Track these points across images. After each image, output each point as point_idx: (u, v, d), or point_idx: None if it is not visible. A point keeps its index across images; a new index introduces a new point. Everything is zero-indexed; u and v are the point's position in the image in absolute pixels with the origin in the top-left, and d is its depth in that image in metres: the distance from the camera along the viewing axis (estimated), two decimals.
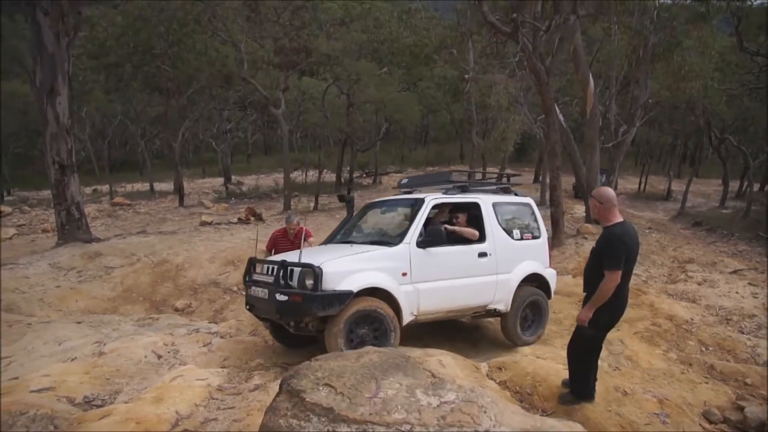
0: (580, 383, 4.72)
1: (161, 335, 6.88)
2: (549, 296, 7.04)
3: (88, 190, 29.09)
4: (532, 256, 6.83)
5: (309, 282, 5.18)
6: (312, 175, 27.98)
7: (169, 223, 18.75)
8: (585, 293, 4.60)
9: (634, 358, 6.61)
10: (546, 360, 5.98)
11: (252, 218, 18.00)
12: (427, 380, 3.34)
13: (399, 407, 3.03)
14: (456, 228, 6.27)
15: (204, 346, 6.30)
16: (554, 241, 12.66)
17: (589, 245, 12.10)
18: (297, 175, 28.50)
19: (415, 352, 4.50)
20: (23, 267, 10.63)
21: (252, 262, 6.16)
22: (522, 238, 6.77)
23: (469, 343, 7.08)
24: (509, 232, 6.64)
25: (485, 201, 6.55)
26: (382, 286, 5.46)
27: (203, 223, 17.09)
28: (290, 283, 5.40)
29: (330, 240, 6.98)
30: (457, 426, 3.00)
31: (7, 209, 23.99)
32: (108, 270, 10.89)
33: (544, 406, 4.98)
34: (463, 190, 6.60)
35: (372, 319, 5.37)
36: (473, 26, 20.79)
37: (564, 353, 6.63)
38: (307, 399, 3.10)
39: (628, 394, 4.96)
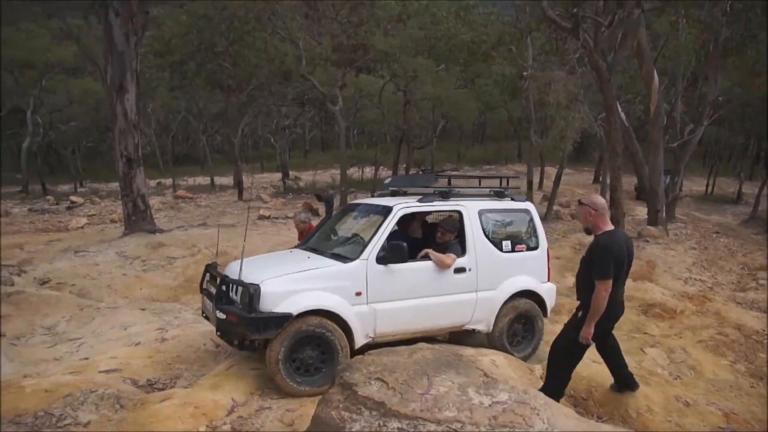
0: (553, 387, 4.50)
1: None
2: (545, 313, 6.28)
3: (152, 183, 30.23)
4: (526, 270, 6.09)
5: (245, 301, 4.73)
6: (368, 171, 28.14)
7: (228, 216, 19.27)
8: (578, 301, 4.53)
9: (697, 368, 6.35)
10: (602, 365, 5.82)
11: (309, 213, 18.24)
12: (479, 379, 3.30)
13: (450, 405, 3.01)
14: (430, 252, 5.57)
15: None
16: None
17: (650, 249, 11.72)
18: (353, 172, 28.74)
19: (468, 351, 4.46)
20: (93, 255, 11.16)
21: (207, 270, 5.71)
22: (513, 250, 6.03)
23: None
24: (497, 244, 5.94)
25: (470, 208, 5.85)
26: (327, 308, 4.91)
27: (261, 217, 17.50)
28: (234, 298, 4.98)
29: (304, 243, 6.41)
30: (508, 427, 2.95)
31: (79, 200, 25.27)
32: (170, 260, 11.29)
33: (599, 412, 4.85)
34: (444, 196, 5.84)
35: (317, 340, 4.88)
36: (532, 22, 20.34)
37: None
38: (359, 392, 3.12)
39: (690, 405, 4.77)
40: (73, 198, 25.88)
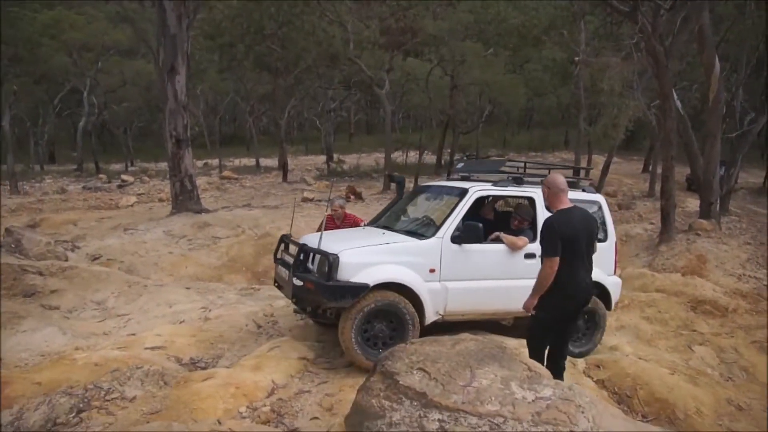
0: None
1: (261, 306, 7.19)
2: (609, 307, 6.20)
3: (199, 163, 30.85)
4: (596, 262, 6.07)
5: (324, 270, 4.90)
6: (413, 156, 28.03)
7: (272, 197, 19.50)
8: None
9: (750, 370, 6.08)
10: (649, 362, 5.64)
11: (352, 197, 18.30)
12: (523, 373, 3.23)
13: (493, 398, 2.96)
14: (501, 234, 5.68)
15: (301, 319, 6.49)
16: (663, 237, 11.90)
17: (701, 242, 11.29)
18: (398, 156, 28.65)
19: (512, 343, 4.38)
20: (142, 233, 11.47)
21: (283, 240, 5.99)
22: None
23: None
24: None
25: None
26: (402, 281, 5.06)
27: (305, 200, 17.64)
28: (311, 267, 5.19)
29: (374, 222, 6.60)
30: (552, 424, 2.88)
31: (129, 179, 26.02)
32: (215, 240, 11.50)
33: (644, 411, 4.72)
34: (518, 182, 5.93)
35: (390, 315, 5.03)
36: (587, 6, 19.71)
37: (669, 356, 6.26)
38: (400, 381, 3.10)
39: (743, 410, 4.57)
40: (124, 177, 26.65)
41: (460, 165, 7.00)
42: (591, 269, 4.37)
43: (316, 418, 4.15)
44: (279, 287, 5.86)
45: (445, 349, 3.43)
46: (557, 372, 4.32)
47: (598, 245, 6.00)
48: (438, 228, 5.40)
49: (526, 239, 5.67)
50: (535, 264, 5.50)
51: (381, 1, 21.65)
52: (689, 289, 8.42)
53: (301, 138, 48.78)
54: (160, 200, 19.31)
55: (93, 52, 31.47)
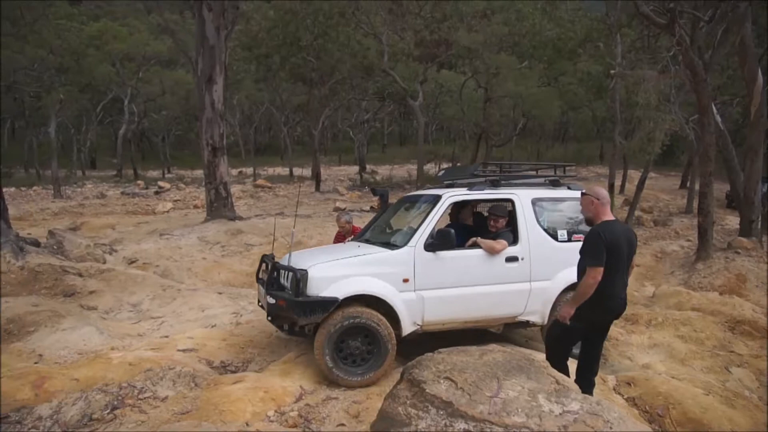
0: None
1: None
2: None
3: (234, 171, 31.39)
4: None
5: (294, 286, 4.84)
6: (446, 167, 28.03)
7: (305, 206, 19.70)
8: None
9: None
10: (682, 381, 5.51)
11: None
12: (550, 386, 3.20)
13: (519, 410, 2.95)
14: (478, 239, 5.49)
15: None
16: (701, 254, 11.61)
17: (741, 261, 10.98)
18: (430, 167, 28.70)
19: (540, 356, 4.34)
20: (177, 238, 11.72)
21: (263, 260, 5.81)
22: (570, 240, 5.78)
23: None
24: (553, 233, 5.75)
25: (522, 197, 5.71)
26: (373, 293, 4.94)
27: (336, 209, 17.77)
28: (284, 284, 5.11)
29: (359, 236, 6.41)
30: None
31: (166, 185, 26.64)
32: (248, 247, 11.66)
33: (676, 431, 4.60)
34: (495, 184, 5.75)
35: (364, 329, 4.88)
36: (623, 18, 19.48)
37: (704, 376, 6.10)
38: (427, 390, 3.11)
39: None
40: (161, 183, 27.32)
41: (442, 172, 6.89)
42: (627, 283, 4.31)
43: (343, 424, 4.19)
44: (262, 307, 5.67)
45: (472, 359, 3.42)
46: (587, 387, 4.26)
47: None
48: (411, 237, 5.26)
49: (504, 242, 5.50)
50: (517, 268, 5.53)
51: (416, 14, 21.79)
52: (727, 308, 8.18)
53: (335, 148, 49.29)
54: (195, 207, 19.70)
55: (135, 62, 32.55)
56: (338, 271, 4.98)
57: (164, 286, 8.32)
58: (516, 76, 24.59)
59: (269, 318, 5.27)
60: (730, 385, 5.96)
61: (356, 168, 34.08)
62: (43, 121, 30.65)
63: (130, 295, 7.80)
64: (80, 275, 7.87)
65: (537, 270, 5.63)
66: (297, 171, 32.87)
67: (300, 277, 4.80)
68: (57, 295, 7.25)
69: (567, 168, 6.45)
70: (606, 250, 4.02)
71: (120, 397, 4.33)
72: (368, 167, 34.11)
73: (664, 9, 11.91)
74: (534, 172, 6.61)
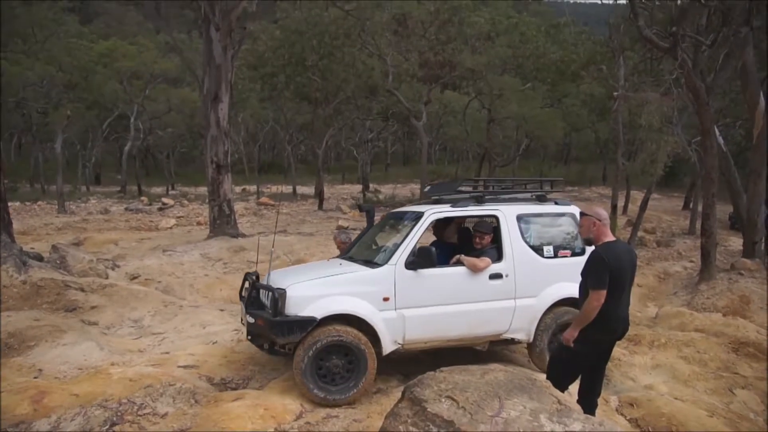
0: None
1: None
2: None
3: (237, 189, 31.49)
4: (571, 277, 5.41)
5: (272, 305, 4.85)
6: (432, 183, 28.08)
7: (307, 224, 19.71)
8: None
9: None
10: (685, 403, 5.46)
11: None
12: (552, 406, 3.18)
13: (521, 430, 2.93)
14: (461, 256, 5.47)
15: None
16: (704, 275, 11.57)
17: (745, 282, 10.92)
18: None
19: (543, 376, 4.31)
20: (179, 254, 11.73)
21: (246, 278, 5.77)
22: (557, 256, 5.77)
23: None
24: (538, 249, 5.71)
25: (507, 213, 5.66)
26: (352, 312, 4.92)
27: (339, 227, 17.76)
28: (265, 303, 5.12)
29: (345, 253, 6.37)
30: None
31: (170, 202, 26.73)
32: (250, 264, 11.63)
33: None
34: (479, 201, 5.72)
35: (343, 348, 4.85)
36: (626, 41, 19.67)
37: (708, 398, 6.04)
38: (428, 409, 3.10)
39: None
40: (164, 200, 27.41)
41: (428, 188, 6.87)
42: (630, 303, 4.30)
43: None
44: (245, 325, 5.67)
45: (474, 378, 3.41)
46: (589, 408, 4.24)
47: (578, 259, 5.66)
48: (392, 255, 5.23)
49: (488, 260, 5.45)
50: (501, 285, 5.47)
51: (420, 35, 22.02)
52: (731, 329, 8.13)
53: (339, 167, 49.48)
54: (198, 224, 19.73)
55: (142, 80, 32.89)
56: (317, 290, 4.97)
57: (166, 302, 8.32)
58: (519, 97, 24.74)
59: (249, 337, 5.25)
60: (734, 407, 5.90)
61: (359, 187, 34.18)
62: (50, 137, 30.90)
63: (131, 310, 7.80)
64: (82, 290, 7.87)
65: (522, 287, 5.58)
66: (300, 189, 33.00)
67: (278, 297, 4.79)
68: (58, 309, 7.25)
69: (555, 183, 6.42)
70: (609, 272, 4.01)
71: (119, 413, 4.31)
72: (371, 186, 34.20)
73: (666, 33, 12.03)
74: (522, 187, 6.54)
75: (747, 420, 5.40)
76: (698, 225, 15.29)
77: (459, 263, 5.45)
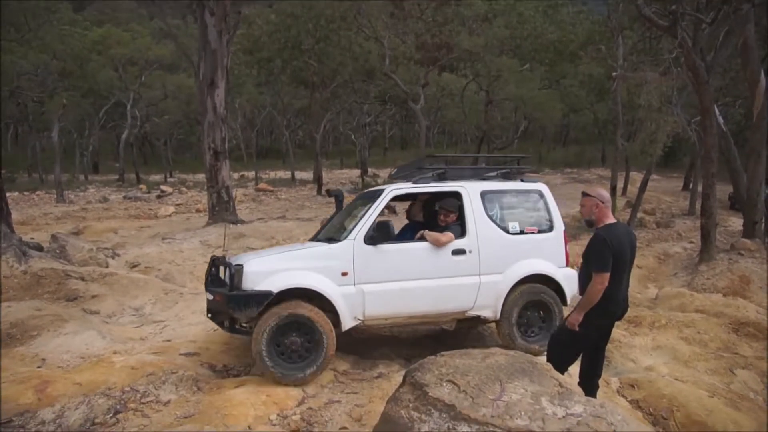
0: None
1: None
2: (564, 301, 5.79)
3: (236, 175, 31.43)
4: (539, 254, 5.73)
5: (230, 281, 4.85)
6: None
7: (306, 210, 19.70)
8: (581, 296, 4.28)
9: None
10: (686, 384, 5.49)
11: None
12: (553, 389, 3.19)
13: (522, 413, 2.93)
14: (425, 232, 5.47)
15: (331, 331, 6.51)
16: (704, 256, 11.58)
17: (744, 263, 10.94)
18: None
19: (543, 359, 4.32)
20: (179, 242, 11.72)
21: (213, 261, 5.69)
22: (522, 232, 5.72)
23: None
24: (504, 226, 5.66)
25: (470, 189, 5.64)
26: (309, 286, 4.87)
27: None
28: (225, 281, 5.10)
29: (314, 237, 6.35)
30: None
31: (168, 189, 26.68)
32: (249, 250, 11.67)
33: None
34: (441, 177, 5.70)
35: (302, 325, 4.81)
36: (625, 20, 19.50)
37: (709, 378, 6.07)
38: (429, 393, 3.10)
39: None
40: (163, 187, 27.36)
41: (394, 171, 6.90)
42: (629, 285, 4.29)
43: (345, 428, 4.18)
44: None
45: (475, 362, 3.41)
46: (590, 390, 4.26)
47: (545, 236, 5.84)
48: (350, 230, 5.23)
49: (451, 235, 5.42)
50: (465, 261, 5.43)
51: (417, 18, 21.83)
52: (731, 310, 8.15)
53: (337, 152, 49.34)
54: (197, 211, 19.71)
55: (137, 66, 32.69)
56: (274, 265, 4.98)
57: (166, 289, 8.32)
58: (517, 78, 24.63)
59: (209, 315, 5.26)
60: (734, 387, 5.93)
61: (358, 171, 34.12)
62: (46, 126, 30.81)
63: (132, 299, 7.80)
64: (83, 279, 7.87)
65: (487, 263, 5.53)
66: (299, 174, 32.94)
67: (235, 272, 4.80)
68: (59, 299, 7.25)
69: (522, 160, 6.41)
70: (612, 255, 4.01)
71: (122, 401, 4.32)
72: (370, 170, 34.12)
73: (666, 11, 11.91)
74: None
75: (747, 399, 5.43)
76: (698, 205, 15.28)
77: (422, 239, 5.44)
